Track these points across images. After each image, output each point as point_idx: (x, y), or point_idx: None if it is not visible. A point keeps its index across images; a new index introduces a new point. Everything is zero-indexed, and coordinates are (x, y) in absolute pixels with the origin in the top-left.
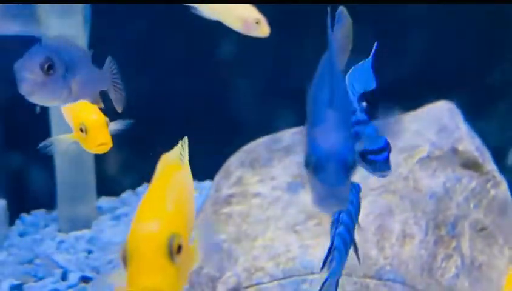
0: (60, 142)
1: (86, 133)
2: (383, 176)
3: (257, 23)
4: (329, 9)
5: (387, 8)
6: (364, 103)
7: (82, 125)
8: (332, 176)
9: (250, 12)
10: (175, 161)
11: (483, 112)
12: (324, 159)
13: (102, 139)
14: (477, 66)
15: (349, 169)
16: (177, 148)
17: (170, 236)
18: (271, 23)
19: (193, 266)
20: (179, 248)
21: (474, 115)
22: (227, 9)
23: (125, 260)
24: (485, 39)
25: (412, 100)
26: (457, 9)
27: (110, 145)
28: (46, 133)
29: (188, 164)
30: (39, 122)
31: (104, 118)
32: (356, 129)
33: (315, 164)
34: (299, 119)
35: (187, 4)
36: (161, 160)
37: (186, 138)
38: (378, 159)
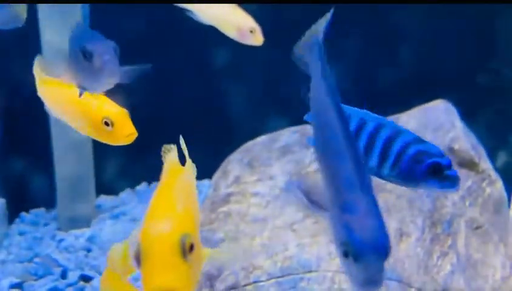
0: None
1: (112, 126)
2: (453, 192)
3: (251, 32)
4: None
5: (383, 8)
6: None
7: (107, 118)
8: (374, 266)
9: (245, 20)
10: (179, 162)
11: (473, 113)
12: (366, 250)
13: (129, 129)
14: (469, 66)
15: (388, 254)
16: (182, 149)
17: (182, 235)
18: (272, 25)
19: (202, 264)
20: (191, 247)
21: (463, 115)
22: (222, 16)
23: (138, 260)
24: (478, 38)
25: (408, 100)
26: (451, 9)
27: (136, 134)
28: (45, 132)
29: (190, 165)
30: (38, 122)
31: (123, 108)
32: (418, 147)
33: (355, 255)
34: (296, 119)
35: (183, 8)
36: (167, 161)
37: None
38: (453, 174)
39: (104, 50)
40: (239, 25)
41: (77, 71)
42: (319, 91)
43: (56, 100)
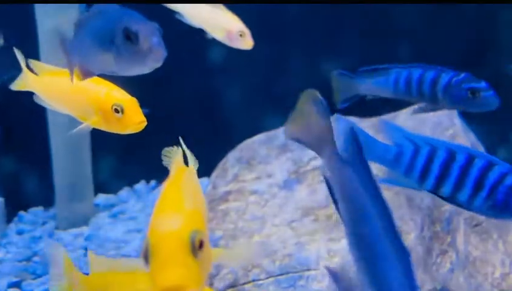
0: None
1: (122, 113)
2: None
3: (241, 35)
4: None
5: (381, 6)
6: None
7: (117, 105)
8: None
9: (234, 23)
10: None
11: (471, 113)
12: None
13: (139, 117)
14: (468, 64)
15: None
16: (184, 149)
17: (191, 232)
18: (268, 24)
19: (211, 262)
20: (201, 244)
21: (462, 113)
22: (212, 18)
23: (147, 257)
24: (478, 38)
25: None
26: (451, 7)
27: (146, 122)
28: (43, 130)
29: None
30: (36, 120)
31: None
32: None
33: None
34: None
35: (174, 11)
36: (174, 160)
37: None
38: None
39: (151, 31)
40: (229, 28)
41: (101, 54)
42: (353, 190)
43: (56, 90)
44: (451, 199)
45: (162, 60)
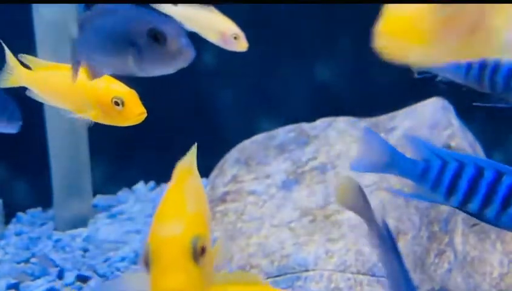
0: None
1: (122, 105)
2: None
3: (235, 38)
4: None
5: (379, 5)
6: None
7: (117, 98)
8: None
9: (228, 26)
10: (188, 166)
11: (469, 110)
12: None
13: (140, 108)
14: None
15: None
16: (189, 154)
17: (193, 237)
18: (267, 25)
19: (213, 267)
20: (203, 249)
21: (460, 113)
22: (205, 21)
23: (147, 263)
24: None
25: (405, 97)
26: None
27: (146, 114)
28: (41, 130)
29: (196, 168)
30: (34, 120)
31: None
32: None
33: None
34: (291, 118)
35: (167, 14)
36: (176, 165)
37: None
38: None
39: (178, 32)
40: (223, 31)
41: (118, 55)
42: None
43: (52, 85)
44: (478, 215)
45: (190, 60)
